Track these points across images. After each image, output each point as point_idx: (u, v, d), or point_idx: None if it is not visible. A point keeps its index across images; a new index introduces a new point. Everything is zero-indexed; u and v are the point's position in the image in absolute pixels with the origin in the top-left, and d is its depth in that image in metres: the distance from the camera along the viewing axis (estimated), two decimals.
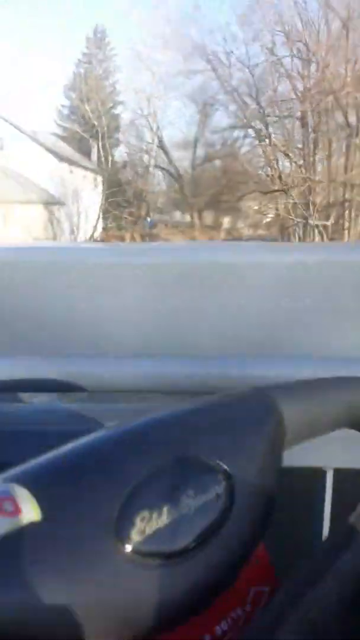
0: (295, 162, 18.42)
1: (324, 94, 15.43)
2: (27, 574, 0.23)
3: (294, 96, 19.27)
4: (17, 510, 0.24)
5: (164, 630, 0.25)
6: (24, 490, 0.25)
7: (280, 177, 19.22)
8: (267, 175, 20.65)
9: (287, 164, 21.01)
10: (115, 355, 0.62)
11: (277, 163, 19.77)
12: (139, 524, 0.25)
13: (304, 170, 17.46)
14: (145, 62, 38.16)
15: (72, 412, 0.65)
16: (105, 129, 35.25)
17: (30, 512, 0.24)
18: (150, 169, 42.40)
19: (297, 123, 19.12)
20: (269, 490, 0.30)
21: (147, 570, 0.25)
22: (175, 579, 0.25)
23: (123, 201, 39.49)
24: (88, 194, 34.26)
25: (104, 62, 45.18)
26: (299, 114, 18.25)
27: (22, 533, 0.24)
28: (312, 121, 17.83)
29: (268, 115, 19.86)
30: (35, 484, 0.26)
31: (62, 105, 44.83)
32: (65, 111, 44.84)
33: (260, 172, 22.28)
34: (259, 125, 20.75)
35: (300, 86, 18.89)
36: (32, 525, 0.24)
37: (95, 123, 35.13)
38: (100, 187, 35.60)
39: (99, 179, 35.65)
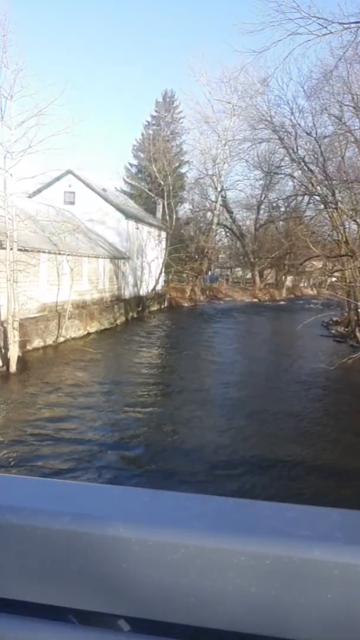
0: None
1: None
2: None
3: None
4: None
5: None
6: None
7: (347, 242, 19.25)
8: (333, 240, 20.75)
9: (354, 226, 21.05)
10: None
11: (344, 228, 19.88)
12: None
13: None
14: (212, 126, 39.91)
15: None
16: (171, 187, 36.70)
17: None
18: (213, 226, 43.58)
19: None
20: None
21: None
22: None
23: (185, 256, 40.63)
24: (152, 249, 35.49)
25: (172, 124, 47.64)
26: None
27: None
28: None
29: (334, 181, 20.11)
30: None
31: (130, 164, 47.39)
32: (133, 170, 47.27)
33: (326, 236, 22.39)
34: (324, 191, 21.05)
35: None
36: None
37: (162, 182, 36.65)
38: (163, 243, 36.85)
39: (163, 234, 36.95)
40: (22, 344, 15.47)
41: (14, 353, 14.41)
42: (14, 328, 14.57)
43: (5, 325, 14.95)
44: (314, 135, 21.92)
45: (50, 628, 0.58)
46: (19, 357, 14.63)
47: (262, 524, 0.57)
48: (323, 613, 0.52)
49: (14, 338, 14.48)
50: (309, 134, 22.60)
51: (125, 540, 0.55)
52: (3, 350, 14.67)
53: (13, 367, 14.27)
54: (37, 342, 17.15)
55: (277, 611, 0.53)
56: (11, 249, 15.08)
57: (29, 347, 16.35)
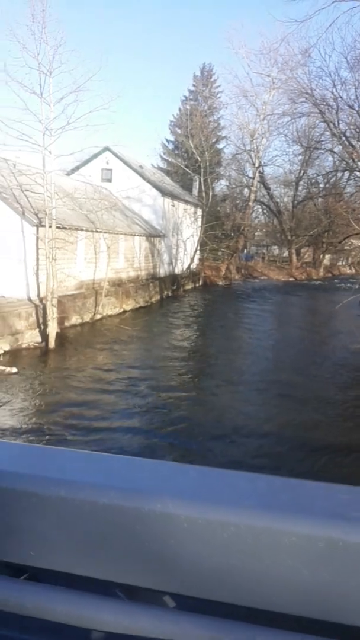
0: None
1: None
2: None
3: None
4: None
5: None
6: None
7: None
8: None
9: None
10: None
11: None
12: None
13: None
14: (251, 100, 38.97)
15: None
16: (207, 163, 36.17)
17: None
18: (250, 203, 42.82)
19: None
20: None
21: None
22: None
23: (221, 234, 40.20)
24: (187, 227, 35.25)
25: (210, 98, 46.70)
26: None
27: None
28: None
29: None
30: None
31: (167, 140, 46.88)
32: (170, 146, 46.77)
33: None
34: None
35: None
36: None
37: (198, 158, 36.16)
38: (199, 220, 36.53)
39: (199, 212, 36.61)
40: (61, 321, 15.73)
41: (52, 330, 14.68)
42: (52, 305, 14.82)
43: (44, 302, 15.22)
44: (357, 109, 21.17)
45: (96, 602, 0.57)
46: (57, 333, 14.90)
47: (314, 505, 0.55)
48: None
49: (52, 315, 14.74)
50: (351, 107, 21.84)
51: (174, 517, 0.54)
52: (42, 327, 14.96)
53: (52, 343, 14.55)
54: (74, 319, 17.41)
55: (331, 596, 0.51)
56: (50, 226, 15.24)
57: (66, 324, 16.62)
